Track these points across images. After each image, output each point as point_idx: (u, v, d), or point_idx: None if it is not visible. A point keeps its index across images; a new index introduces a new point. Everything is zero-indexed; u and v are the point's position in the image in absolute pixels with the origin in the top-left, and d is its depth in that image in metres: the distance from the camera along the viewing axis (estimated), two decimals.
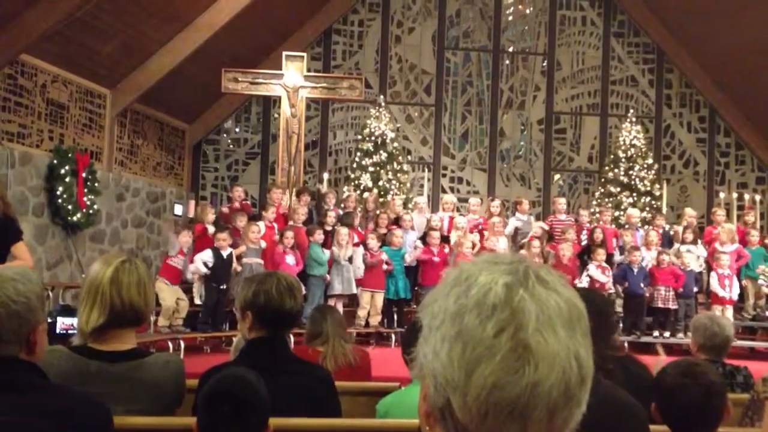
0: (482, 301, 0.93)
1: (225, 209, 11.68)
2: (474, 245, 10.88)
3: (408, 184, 13.88)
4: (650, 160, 13.99)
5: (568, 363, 0.91)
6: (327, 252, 10.22)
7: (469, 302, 0.93)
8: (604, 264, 10.52)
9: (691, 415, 2.64)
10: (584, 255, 10.95)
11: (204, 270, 9.31)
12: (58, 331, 6.78)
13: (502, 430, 0.90)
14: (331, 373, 3.07)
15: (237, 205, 11.51)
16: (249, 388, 2.26)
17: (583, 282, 10.16)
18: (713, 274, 10.50)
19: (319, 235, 10.22)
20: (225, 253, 9.47)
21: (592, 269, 10.35)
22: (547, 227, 11.64)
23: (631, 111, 14.75)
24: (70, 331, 6.45)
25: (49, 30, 9.28)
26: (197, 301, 9.74)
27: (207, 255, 9.40)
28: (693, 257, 10.77)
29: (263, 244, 9.94)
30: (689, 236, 11.09)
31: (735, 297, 10.49)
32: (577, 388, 0.92)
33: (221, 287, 9.43)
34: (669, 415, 2.69)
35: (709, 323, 4.08)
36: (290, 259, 9.85)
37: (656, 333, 10.32)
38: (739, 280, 10.68)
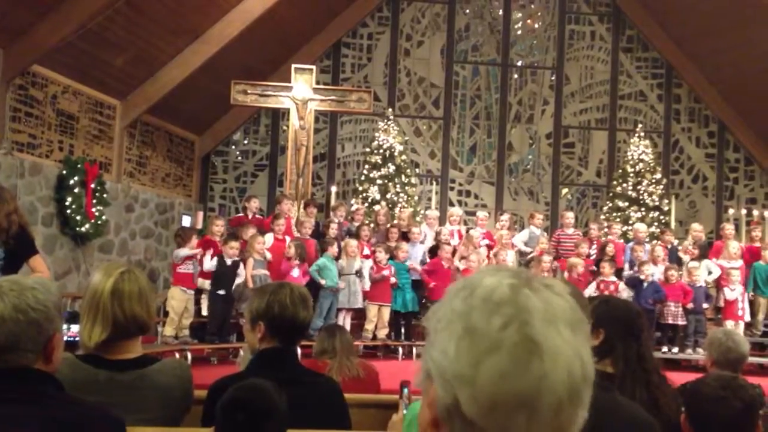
0: (488, 298, 0.96)
1: (241, 215, 11.67)
2: (481, 260, 10.86)
3: (416, 197, 13.89)
4: (658, 175, 13.96)
5: (572, 360, 0.94)
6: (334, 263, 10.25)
7: (475, 300, 0.97)
8: (611, 278, 10.48)
9: (729, 429, 2.62)
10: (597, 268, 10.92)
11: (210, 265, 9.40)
12: (66, 338, 6.77)
13: (508, 422, 0.92)
14: (339, 385, 3.07)
15: (250, 216, 11.43)
16: (267, 398, 2.26)
17: (590, 290, 10.15)
18: (726, 292, 10.44)
19: (334, 249, 10.23)
20: (229, 261, 9.48)
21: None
22: (546, 244, 11.56)
23: (640, 125, 14.74)
24: (76, 338, 6.46)
25: (60, 41, 9.35)
26: (204, 312, 9.74)
27: (213, 262, 9.46)
28: (703, 272, 10.71)
29: (269, 255, 9.95)
30: (696, 251, 11.05)
31: (747, 313, 10.45)
32: (581, 385, 0.95)
33: (219, 293, 9.41)
34: (704, 427, 2.67)
35: (724, 338, 4.04)
36: (296, 272, 9.85)
37: (665, 349, 10.26)
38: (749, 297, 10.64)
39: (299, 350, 6.05)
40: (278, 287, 2.96)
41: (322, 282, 9.92)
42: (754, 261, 11.05)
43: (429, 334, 1.01)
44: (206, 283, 9.62)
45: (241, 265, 9.57)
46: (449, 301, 1.00)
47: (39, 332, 2.01)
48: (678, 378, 3.98)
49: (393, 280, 10.45)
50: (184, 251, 9.30)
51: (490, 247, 11.55)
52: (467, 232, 11.78)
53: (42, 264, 5.32)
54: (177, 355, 8.70)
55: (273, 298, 2.88)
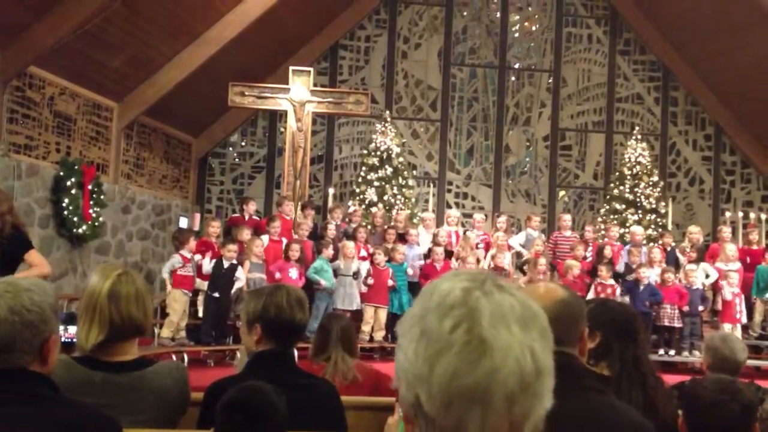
0: (442, 302, 1.04)
1: (237, 215, 11.67)
2: (478, 261, 10.88)
3: (413, 200, 13.89)
4: (655, 178, 13.97)
5: (522, 354, 1.00)
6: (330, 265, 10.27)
7: (431, 304, 1.05)
8: (609, 282, 10.48)
9: None
10: (595, 272, 10.90)
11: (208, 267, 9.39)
12: (63, 339, 6.75)
13: (464, 417, 0.99)
14: (336, 387, 3.06)
15: (247, 218, 11.41)
16: (267, 400, 2.27)
17: (589, 294, 10.16)
18: (724, 292, 10.43)
19: (329, 251, 10.25)
20: (227, 264, 9.48)
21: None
22: (541, 246, 11.56)
23: (637, 128, 14.76)
24: (74, 340, 6.46)
25: (57, 43, 9.32)
26: (201, 314, 9.73)
27: (210, 264, 9.45)
28: (701, 275, 10.71)
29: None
30: (694, 254, 11.06)
31: (744, 315, 10.47)
32: (532, 378, 1.00)
33: (215, 295, 9.40)
34: (702, 430, 2.67)
35: (721, 346, 4.00)
36: (293, 272, 9.87)
37: (661, 351, 10.27)
38: (748, 299, 10.64)
39: (296, 352, 6.04)
40: (275, 289, 2.96)
41: (323, 283, 9.96)
42: (751, 264, 11.06)
43: (398, 339, 1.09)
44: (204, 285, 9.62)
45: (239, 269, 9.56)
46: (413, 307, 1.09)
47: (35, 334, 2.01)
48: (674, 381, 3.96)
49: (390, 282, 10.47)
50: (166, 271, 9.37)
51: (487, 247, 11.54)
52: (464, 234, 11.79)
53: (39, 257, 5.30)
54: (174, 357, 8.69)
55: (269, 300, 2.87)
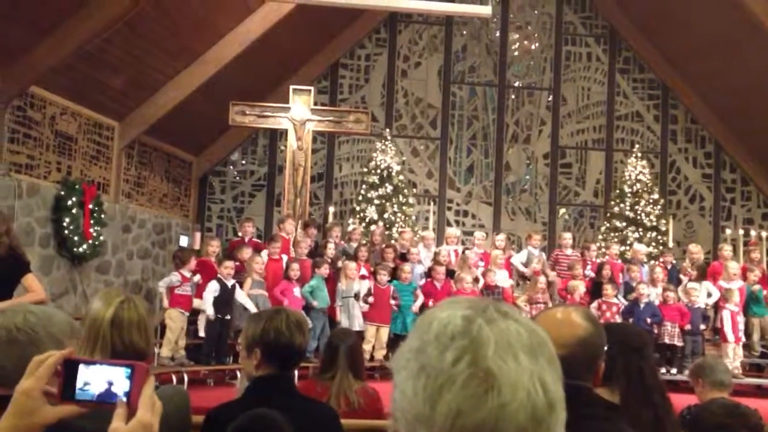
0: (441, 333, 0.95)
1: (238, 239, 11.66)
2: (477, 280, 10.85)
3: (413, 217, 13.89)
4: (656, 195, 13.97)
5: (532, 386, 0.91)
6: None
7: (430, 336, 0.96)
8: (613, 300, 10.45)
9: None
10: (595, 290, 10.85)
11: (210, 310, 9.26)
12: None
13: None
14: (337, 411, 3.04)
15: (247, 240, 11.38)
16: (276, 427, 2.25)
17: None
18: (726, 313, 10.39)
19: (324, 269, 10.21)
20: (229, 284, 9.45)
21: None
22: (539, 266, 11.53)
23: (637, 146, 14.78)
24: None
25: (58, 63, 9.37)
26: (201, 333, 9.70)
27: (214, 287, 9.38)
28: (703, 294, 10.67)
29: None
30: (695, 272, 11.03)
31: (742, 335, 10.44)
32: (545, 412, 0.91)
33: (225, 318, 9.38)
34: None
35: (712, 363, 4.03)
36: (298, 291, 9.86)
37: (663, 370, 10.22)
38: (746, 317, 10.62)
39: (296, 372, 5.99)
40: (274, 313, 2.95)
41: (315, 304, 9.91)
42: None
43: (393, 375, 1.00)
44: (202, 304, 9.58)
45: (238, 290, 9.54)
46: (409, 339, 1.00)
47: (20, 357, 1.99)
48: (677, 399, 3.95)
49: (393, 301, 10.44)
50: (162, 286, 9.34)
51: (487, 265, 11.53)
52: (462, 253, 11.77)
53: (35, 283, 5.29)
54: (174, 378, 8.66)
55: (269, 324, 2.86)
